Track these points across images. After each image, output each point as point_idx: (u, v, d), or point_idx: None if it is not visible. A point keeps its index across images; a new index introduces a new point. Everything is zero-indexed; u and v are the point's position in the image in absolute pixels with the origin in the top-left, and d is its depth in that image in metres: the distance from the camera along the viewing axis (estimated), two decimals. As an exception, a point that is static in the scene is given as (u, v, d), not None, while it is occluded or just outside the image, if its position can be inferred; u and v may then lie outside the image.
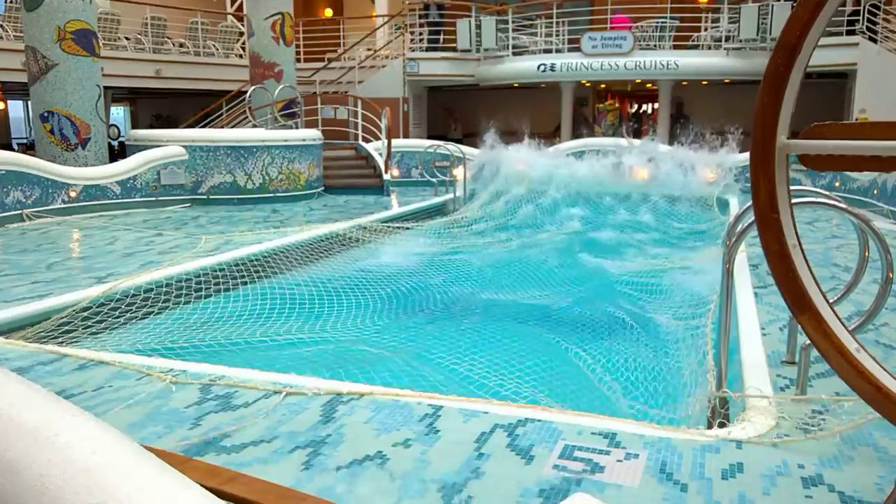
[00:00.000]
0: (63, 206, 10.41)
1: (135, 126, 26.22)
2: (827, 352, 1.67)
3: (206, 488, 1.29)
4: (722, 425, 3.48)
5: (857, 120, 16.25)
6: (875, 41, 16.80)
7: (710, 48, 19.17)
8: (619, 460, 3.06)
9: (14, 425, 1.25)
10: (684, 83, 20.16)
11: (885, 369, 1.63)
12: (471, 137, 21.18)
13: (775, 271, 1.70)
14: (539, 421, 3.45)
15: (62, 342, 5.07)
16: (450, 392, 4.04)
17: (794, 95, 1.58)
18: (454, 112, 24.27)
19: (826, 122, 1.61)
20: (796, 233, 1.69)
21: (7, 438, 1.23)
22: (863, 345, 1.69)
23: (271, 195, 12.47)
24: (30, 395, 1.32)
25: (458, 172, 13.83)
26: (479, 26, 20.22)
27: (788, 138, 1.62)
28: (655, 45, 19.41)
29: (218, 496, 1.27)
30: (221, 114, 17.91)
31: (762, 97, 1.59)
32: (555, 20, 20.24)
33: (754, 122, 1.63)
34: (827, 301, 1.71)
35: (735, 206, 11.33)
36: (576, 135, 19.84)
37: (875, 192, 10.72)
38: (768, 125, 1.60)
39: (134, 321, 5.83)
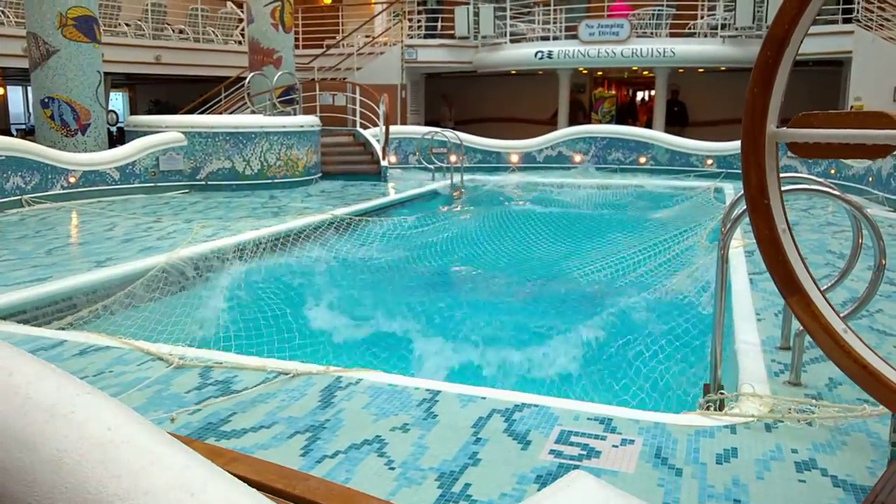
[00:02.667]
0: (62, 191, 10.43)
1: (133, 112, 26.17)
2: (815, 333, 1.73)
3: (211, 466, 1.33)
4: (718, 409, 3.54)
5: (851, 108, 16.29)
6: (870, 29, 16.81)
7: (706, 36, 19.16)
8: (614, 446, 3.11)
9: (32, 403, 1.30)
10: (680, 70, 20.17)
11: (872, 350, 1.68)
12: (466, 124, 21.13)
13: (765, 255, 1.75)
14: (535, 406, 3.50)
15: (64, 326, 5.12)
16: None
17: (784, 86, 1.62)
18: (448, 99, 24.28)
19: (814, 111, 1.66)
20: (786, 218, 1.74)
21: (25, 415, 1.28)
22: (850, 326, 1.74)
23: (269, 181, 12.49)
24: (46, 373, 1.37)
25: (455, 159, 13.86)
26: (476, 13, 20.22)
27: (778, 127, 1.67)
28: (652, 33, 19.41)
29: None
30: (220, 100, 17.90)
31: (752, 88, 1.64)
32: (552, 7, 20.22)
33: (745, 111, 1.67)
34: (816, 284, 1.76)
35: (731, 194, 11.39)
36: (572, 122, 19.88)
37: (870, 178, 10.78)
38: (758, 114, 1.65)
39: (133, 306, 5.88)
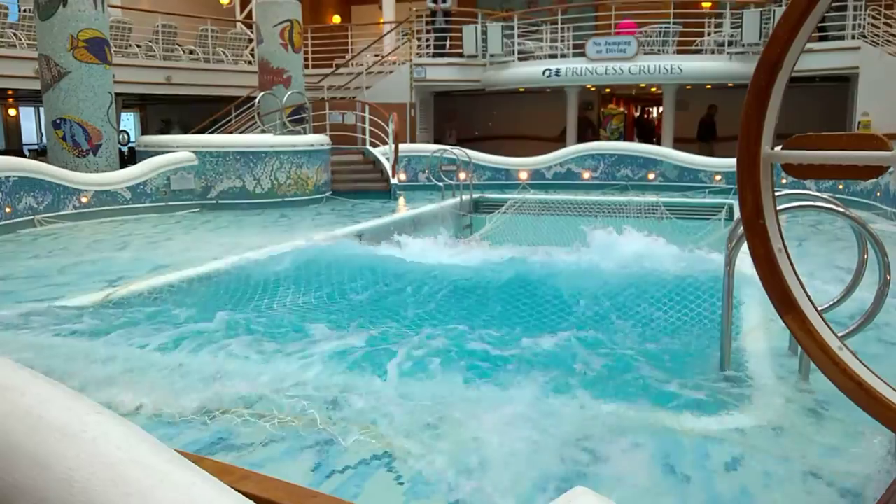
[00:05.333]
0: (74, 211, 10.51)
1: (145, 132, 26.37)
2: (811, 350, 1.75)
3: (220, 484, 1.36)
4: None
5: (859, 124, 16.30)
6: (877, 45, 16.84)
7: (713, 52, 19.21)
8: (622, 450, 3.12)
9: (43, 423, 1.33)
10: (688, 87, 20.19)
11: (867, 367, 1.71)
12: (475, 142, 21.19)
13: (762, 274, 1.78)
14: (543, 412, 3.51)
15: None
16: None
17: (777, 108, 1.66)
18: (451, 117, 24.36)
19: (808, 133, 1.69)
20: (782, 237, 1.77)
21: (38, 434, 1.31)
22: (846, 344, 1.76)
23: (280, 199, 12.56)
24: (57, 393, 1.41)
25: (464, 176, 13.92)
26: (485, 32, 20.33)
27: (773, 148, 1.70)
28: (659, 50, 19.47)
29: (231, 494, 1.35)
30: (230, 119, 18.04)
31: (747, 110, 1.67)
32: (560, 26, 20.31)
33: (740, 133, 1.71)
34: (811, 301, 1.78)
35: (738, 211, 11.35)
36: (581, 139, 19.90)
37: (878, 193, 10.76)
38: (753, 136, 1.68)
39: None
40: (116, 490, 1.25)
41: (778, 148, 1.70)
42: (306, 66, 19.15)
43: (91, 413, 1.38)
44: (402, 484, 2.91)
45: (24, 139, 26.51)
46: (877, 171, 1.59)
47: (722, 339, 3.96)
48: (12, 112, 25.77)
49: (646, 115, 26.71)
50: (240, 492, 1.78)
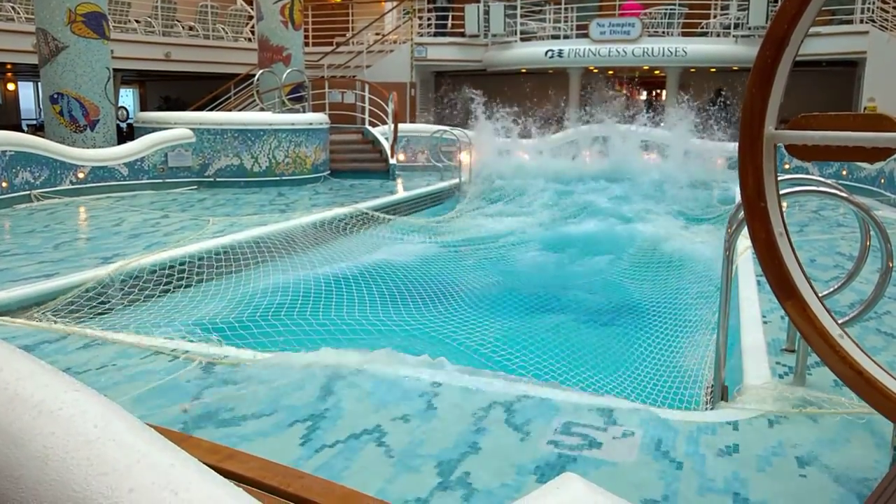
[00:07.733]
0: (71, 186, 10.46)
1: (144, 108, 26.24)
2: (810, 337, 1.70)
3: (205, 465, 1.33)
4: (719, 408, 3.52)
5: (865, 109, 16.21)
6: (885, 29, 16.73)
7: (718, 35, 19.10)
8: (615, 437, 3.10)
9: (20, 399, 1.29)
10: (692, 70, 20.08)
11: (868, 355, 1.66)
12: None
13: (761, 258, 1.73)
14: (537, 397, 3.49)
15: (68, 322, 5.12)
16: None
17: (783, 87, 1.60)
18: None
19: (814, 112, 1.63)
20: (783, 221, 1.72)
21: (13, 411, 1.27)
22: (846, 331, 1.72)
23: (277, 178, 12.50)
24: (35, 370, 1.36)
25: (464, 157, 13.84)
26: (487, 12, 20.20)
27: (777, 128, 1.65)
28: (664, 32, 19.35)
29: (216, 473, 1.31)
30: (230, 97, 17.93)
31: (750, 88, 1.62)
32: (563, 6, 20.18)
33: (742, 112, 1.65)
34: (812, 287, 1.74)
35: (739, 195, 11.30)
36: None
37: (882, 180, 10.71)
38: (756, 116, 1.62)
39: (139, 302, 5.88)
40: (92, 469, 1.21)
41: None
42: (306, 44, 19.02)
43: (69, 390, 1.33)
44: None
45: (23, 114, 26.37)
46: (885, 153, 1.53)
47: (718, 331, 3.88)
48: (10, 86, 25.63)
49: (653, 99, 26.55)
50: (224, 471, 1.75)
